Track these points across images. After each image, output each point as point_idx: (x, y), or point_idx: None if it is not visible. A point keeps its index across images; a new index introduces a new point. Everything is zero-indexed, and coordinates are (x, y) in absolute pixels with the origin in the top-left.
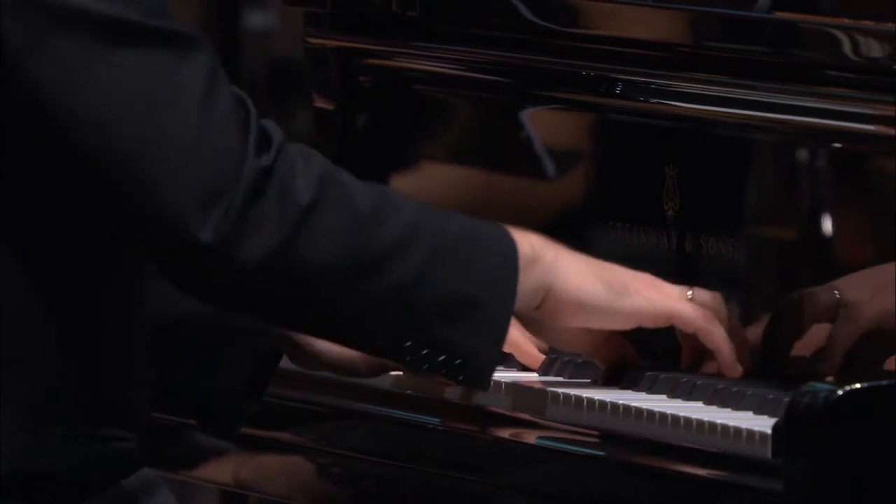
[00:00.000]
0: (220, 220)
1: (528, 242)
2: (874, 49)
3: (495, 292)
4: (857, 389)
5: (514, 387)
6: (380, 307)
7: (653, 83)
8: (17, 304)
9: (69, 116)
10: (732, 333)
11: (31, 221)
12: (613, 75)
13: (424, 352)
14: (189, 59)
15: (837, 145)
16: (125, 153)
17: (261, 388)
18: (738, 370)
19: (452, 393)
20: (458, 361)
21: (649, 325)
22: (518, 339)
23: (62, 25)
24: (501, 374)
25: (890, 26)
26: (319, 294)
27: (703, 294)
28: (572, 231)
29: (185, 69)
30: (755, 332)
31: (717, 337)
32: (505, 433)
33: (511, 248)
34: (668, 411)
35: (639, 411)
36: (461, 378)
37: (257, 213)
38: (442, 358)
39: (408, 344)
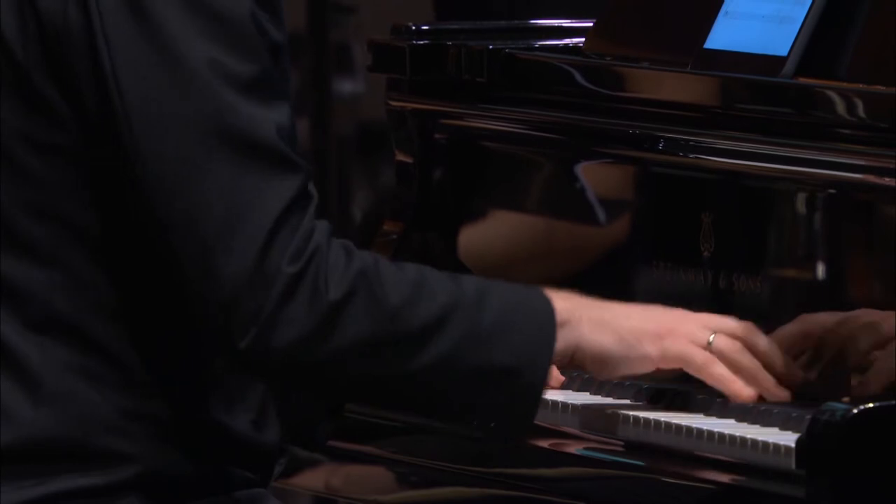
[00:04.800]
0: (254, 329)
1: (562, 306)
2: (885, 110)
3: (531, 361)
4: (870, 408)
5: (580, 407)
6: (409, 383)
7: (691, 140)
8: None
9: (165, 198)
10: (770, 359)
11: None
12: (656, 133)
13: (456, 415)
14: (280, 183)
15: (852, 195)
16: (196, 255)
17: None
18: (749, 396)
19: None
20: (492, 424)
21: (663, 367)
22: None
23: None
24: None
25: None
26: (348, 376)
27: (722, 341)
28: (620, 269)
29: (274, 190)
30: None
31: (715, 376)
32: (557, 446)
33: (549, 318)
34: (705, 427)
35: (678, 427)
36: (493, 434)
37: (286, 315)
38: (475, 421)
39: (441, 410)
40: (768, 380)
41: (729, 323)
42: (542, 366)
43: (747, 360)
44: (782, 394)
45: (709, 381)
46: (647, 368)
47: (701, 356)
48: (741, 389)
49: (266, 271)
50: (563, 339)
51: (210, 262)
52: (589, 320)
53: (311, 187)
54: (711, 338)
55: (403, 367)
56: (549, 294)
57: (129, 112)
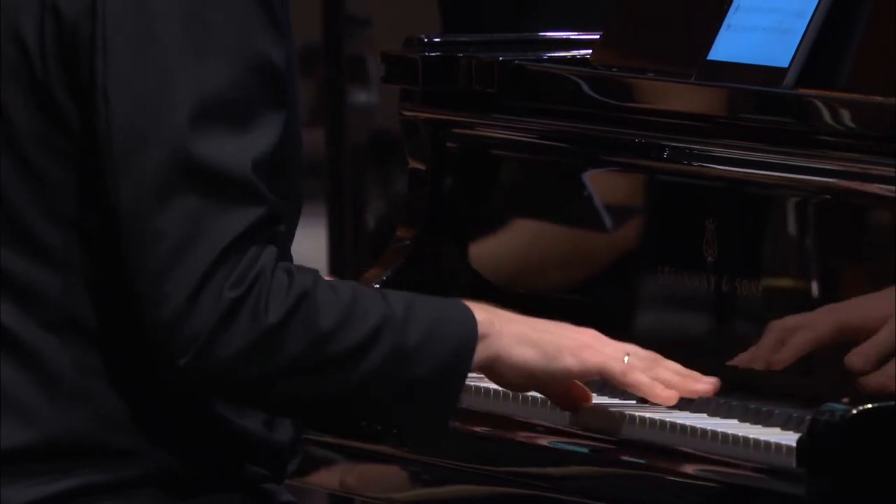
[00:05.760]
0: (193, 349)
1: (483, 318)
2: (883, 119)
3: (449, 374)
4: (868, 409)
5: (587, 407)
6: (339, 400)
7: (695, 149)
8: None
9: (128, 215)
10: (676, 375)
11: None
12: (661, 142)
13: (378, 427)
14: (239, 213)
15: (850, 202)
16: (146, 275)
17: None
18: (670, 400)
19: (524, 412)
20: (411, 434)
21: (582, 380)
22: None
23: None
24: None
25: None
26: (282, 394)
27: (635, 360)
28: (626, 274)
29: (230, 221)
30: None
31: (639, 385)
32: (565, 445)
33: (470, 332)
34: (709, 427)
35: (683, 427)
36: (411, 442)
37: (225, 337)
38: (395, 431)
39: (363, 423)
40: (685, 382)
41: (639, 349)
42: (459, 377)
43: (662, 371)
44: (702, 389)
45: (630, 389)
46: (567, 381)
47: (619, 365)
48: (661, 391)
49: (207, 296)
50: (482, 351)
51: (157, 283)
52: (509, 333)
53: (274, 218)
54: (626, 359)
55: (334, 385)
56: (472, 307)
57: (112, 125)
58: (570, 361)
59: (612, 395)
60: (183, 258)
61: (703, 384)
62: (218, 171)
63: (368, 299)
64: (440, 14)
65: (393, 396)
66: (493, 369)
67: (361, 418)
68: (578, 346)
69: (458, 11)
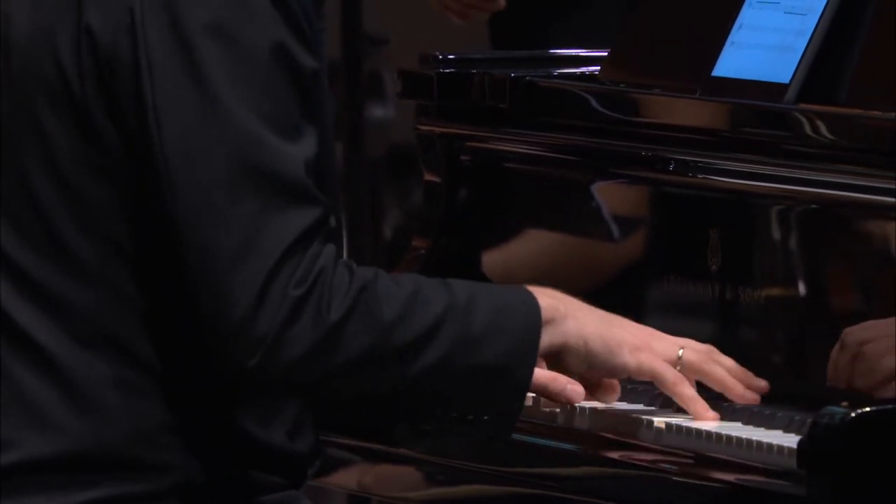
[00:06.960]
0: (261, 351)
1: (547, 304)
2: (882, 134)
3: (518, 358)
4: (867, 412)
5: (596, 410)
6: (407, 390)
7: (699, 162)
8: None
9: (189, 225)
10: (735, 371)
11: None
12: (667, 155)
13: (453, 415)
14: (296, 216)
15: (848, 212)
16: (210, 282)
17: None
18: (708, 415)
19: (538, 414)
20: (485, 419)
21: (635, 378)
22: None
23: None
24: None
25: (894, 115)
26: (349, 387)
27: (690, 353)
28: (633, 282)
29: (289, 223)
30: (782, 363)
31: (685, 399)
32: (575, 447)
33: (535, 318)
34: (714, 430)
35: (688, 430)
36: (485, 431)
37: (291, 336)
38: (469, 418)
39: (437, 411)
40: (737, 385)
41: (695, 342)
42: (528, 363)
43: (715, 368)
44: (751, 397)
45: (676, 399)
46: (621, 375)
47: (672, 375)
48: (704, 410)
49: (272, 296)
50: (548, 336)
51: (223, 288)
52: (574, 319)
53: (328, 218)
54: (681, 352)
55: (401, 375)
56: (535, 292)
57: (165, 143)
58: (628, 359)
59: (622, 399)
60: (247, 260)
61: (750, 393)
62: (274, 175)
63: (431, 287)
64: (455, 31)
65: (460, 384)
66: (561, 354)
67: (433, 407)
68: (639, 343)
69: (474, 30)
